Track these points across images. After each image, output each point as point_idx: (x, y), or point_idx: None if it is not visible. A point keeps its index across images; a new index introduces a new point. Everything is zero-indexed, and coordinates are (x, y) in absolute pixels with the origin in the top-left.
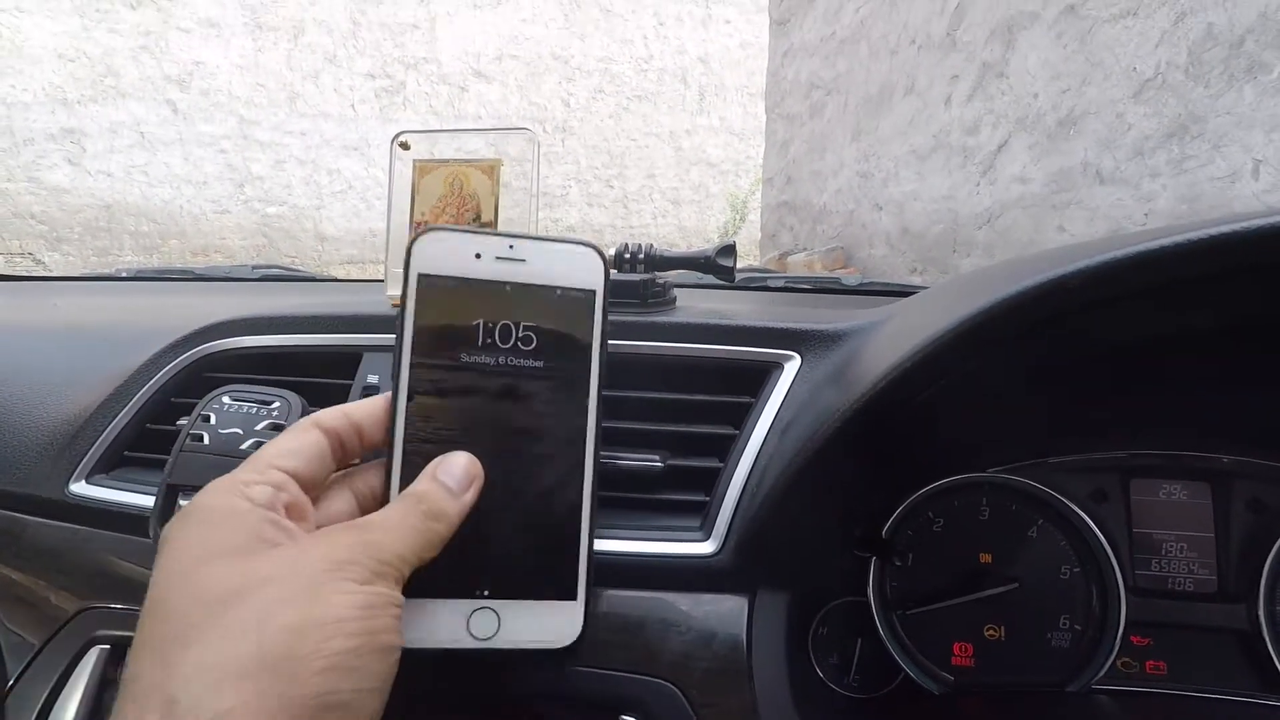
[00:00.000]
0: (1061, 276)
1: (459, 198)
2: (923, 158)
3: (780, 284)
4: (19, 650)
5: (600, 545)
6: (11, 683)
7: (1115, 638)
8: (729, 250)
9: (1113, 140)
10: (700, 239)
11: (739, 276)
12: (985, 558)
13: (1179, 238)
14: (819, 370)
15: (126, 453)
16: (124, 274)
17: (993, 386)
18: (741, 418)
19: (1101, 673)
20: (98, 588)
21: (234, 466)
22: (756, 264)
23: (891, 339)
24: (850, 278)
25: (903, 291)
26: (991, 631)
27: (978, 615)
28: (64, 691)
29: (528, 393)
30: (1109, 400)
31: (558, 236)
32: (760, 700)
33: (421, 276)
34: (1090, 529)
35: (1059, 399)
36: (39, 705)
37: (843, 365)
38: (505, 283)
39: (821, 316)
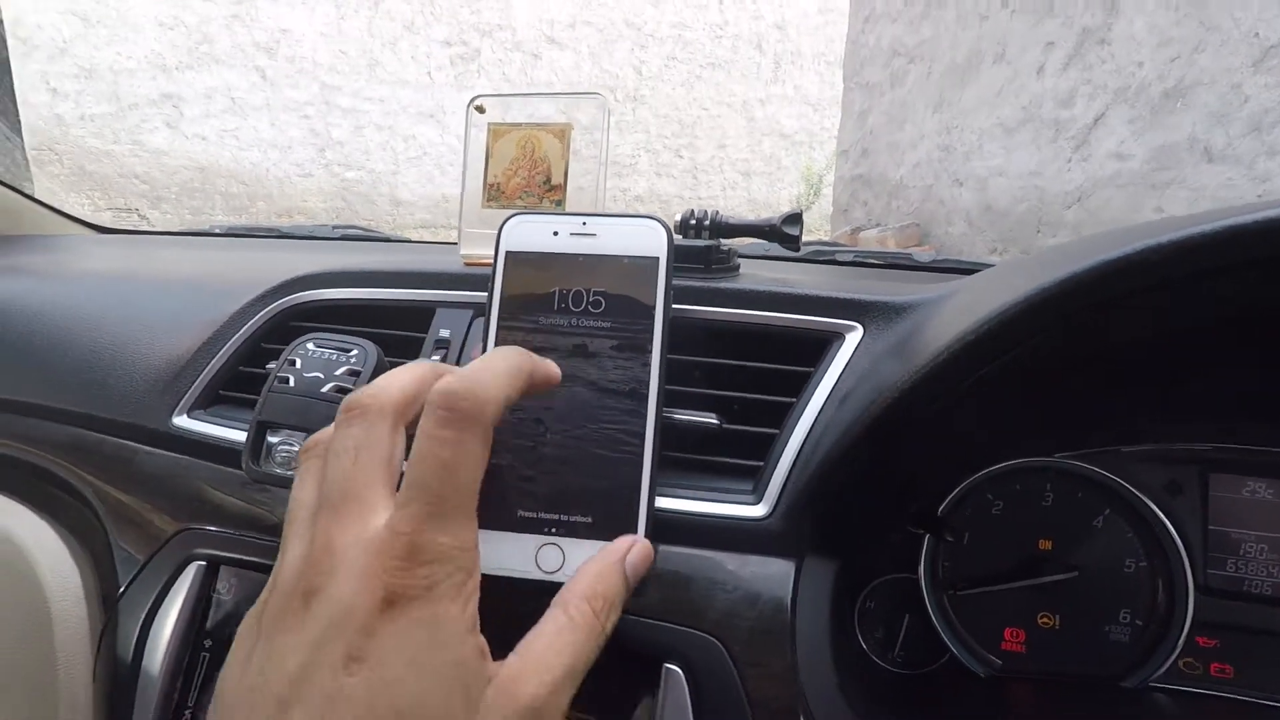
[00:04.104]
0: (1145, 249)
1: (530, 160)
2: (1010, 131)
3: (849, 258)
4: (128, 564)
5: (656, 502)
6: (122, 590)
7: (1180, 637)
8: (795, 219)
9: (1226, 114)
10: (770, 212)
11: (807, 249)
12: (1045, 544)
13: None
14: (881, 342)
15: (221, 391)
16: (217, 230)
17: (1063, 366)
18: (800, 386)
19: (1161, 670)
20: (195, 512)
21: (316, 408)
22: (827, 239)
23: (959, 312)
24: (924, 254)
25: (979, 270)
26: (1045, 619)
27: (1032, 602)
28: (165, 601)
29: (596, 351)
30: (1191, 388)
31: (626, 212)
32: (801, 663)
33: (509, 253)
34: (1162, 523)
35: (1136, 384)
36: (144, 612)
37: (906, 337)
38: (578, 254)
39: (888, 289)
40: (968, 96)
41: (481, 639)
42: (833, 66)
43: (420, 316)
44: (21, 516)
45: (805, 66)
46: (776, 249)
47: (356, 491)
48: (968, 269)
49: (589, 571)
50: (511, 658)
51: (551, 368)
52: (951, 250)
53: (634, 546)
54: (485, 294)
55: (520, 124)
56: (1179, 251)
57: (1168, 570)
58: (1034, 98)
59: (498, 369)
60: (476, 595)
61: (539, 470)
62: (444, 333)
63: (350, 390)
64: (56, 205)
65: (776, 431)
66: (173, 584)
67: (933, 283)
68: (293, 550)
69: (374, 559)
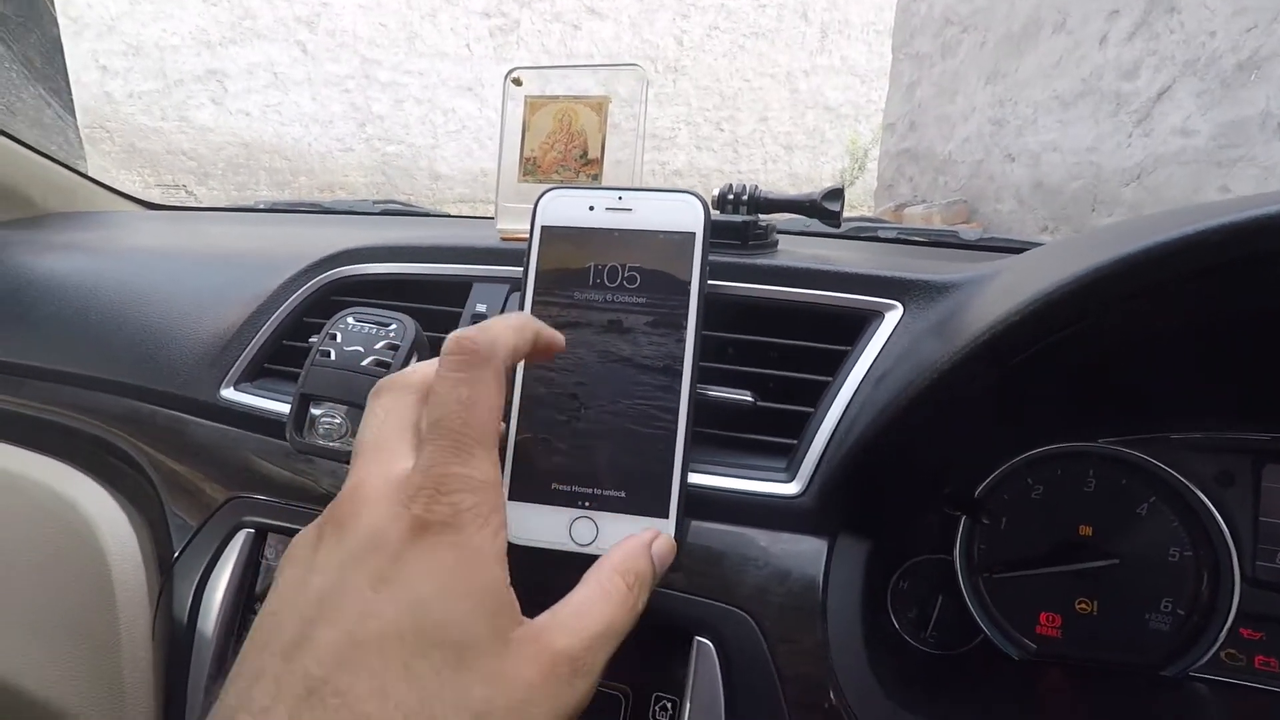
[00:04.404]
0: (1205, 231)
1: (567, 134)
2: (1067, 104)
3: (891, 235)
4: (182, 530)
5: (689, 478)
6: (177, 555)
7: (1223, 627)
8: (836, 194)
9: None
10: (811, 187)
11: (848, 225)
12: (1085, 530)
13: None
14: (922, 321)
15: (266, 365)
16: (261, 206)
17: (1111, 351)
18: (836, 365)
19: (1203, 661)
20: (243, 481)
21: (356, 381)
22: (870, 215)
23: (1003, 292)
24: (970, 232)
25: (1027, 249)
26: (1083, 605)
27: (1070, 587)
28: (217, 566)
29: (631, 327)
30: (1246, 376)
31: (663, 187)
32: (832, 640)
33: (544, 228)
34: (1210, 512)
35: (1188, 370)
36: (198, 576)
37: (947, 317)
38: (614, 229)
39: (930, 268)
40: (1024, 67)
41: (508, 579)
42: (882, 36)
43: (458, 291)
44: (84, 485)
45: (853, 36)
46: (817, 225)
47: (387, 437)
48: (1016, 248)
49: (620, 549)
50: (543, 615)
51: (557, 335)
52: (1000, 228)
53: (660, 536)
54: (521, 269)
55: (557, 97)
56: (1241, 234)
57: (1214, 560)
58: (1095, 69)
59: (507, 322)
60: (503, 531)
61: (573, 444)
62: (480, 307)
63: (389, 365)
64: (108, 183)
65: (811, 410)
66: (224, 550)
67: (979, 262)
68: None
69: (401, 492)
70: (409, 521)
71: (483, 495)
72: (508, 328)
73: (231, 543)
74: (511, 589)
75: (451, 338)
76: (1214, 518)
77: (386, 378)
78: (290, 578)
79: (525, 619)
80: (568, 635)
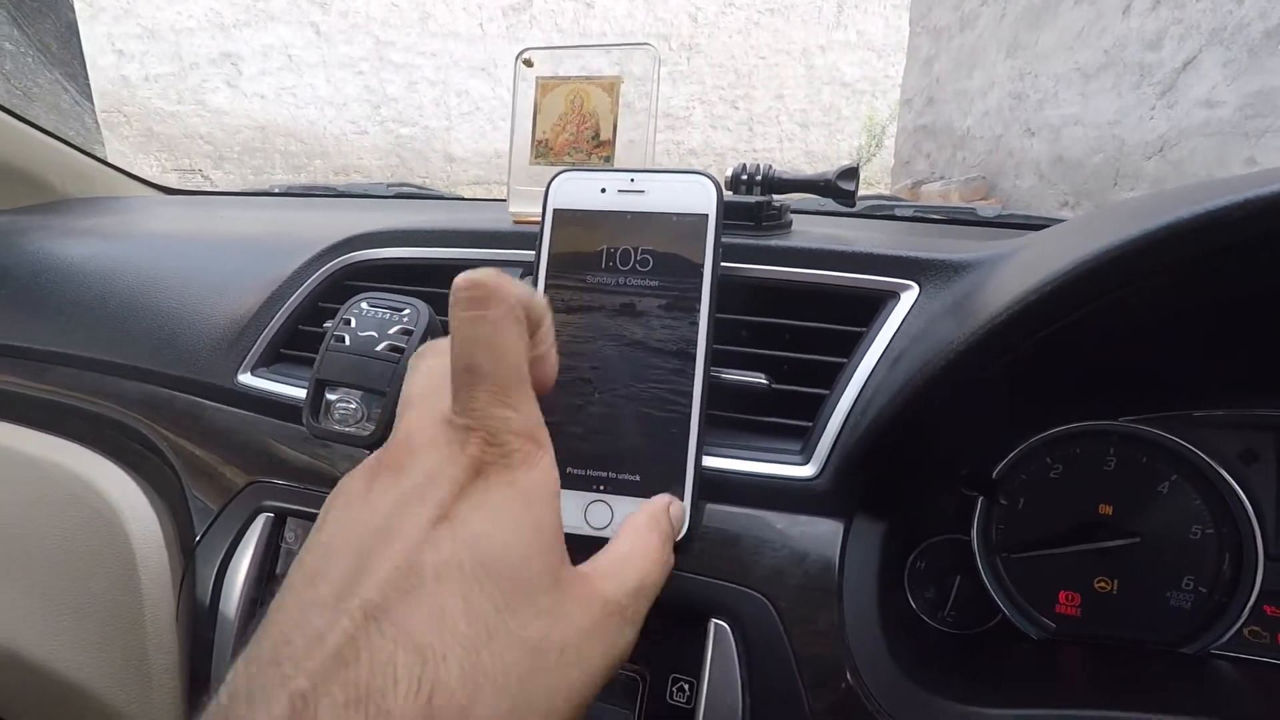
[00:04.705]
0: (1228, 206)
1: (579, 115)
2: (1089, 76)
3: (908, 213)
4: (203, 514)
5: (703, 461)
6: (198, 539)
7: (1246, 604)
8: (851, 173)
9: None
10: (828, 165)
11: (864, 204)
12: (1105, 509)
13: None
14: (938, 301)
15: (282, 350)
16: (276, 190)
17: (1132, 329)
18: (851, 347)
19: (1225, 638)
20: (262, 465)
21: (371, 366)
22: (886, 193)
23: (1021, 270)
24: (988, 209)
25: (1046, 226)
26: (1103, 584)
27: (1089, 566)
28: (238, 550)
29: (644, 310)
30: (1272, 352)
31: (676, 168)
32: (848, 621)
33: (556, 211)
34: (1233, 490)
35: (1210, 348)
36: (219, 559)
37: (964, 297)
38: (626, 212)
39: (947, 246)
40: (1044, 40)
41: (560, 519)
42: (899, 10)
43: None
44: (106, 469)
45: (870, 10)
46: (832, 204)
47: (431, 390)
48: (1036, 225)
49: (646, 509)
50: (585, 564)
51: (552, 357)
52: (1019, 205)
53: (674, 501)
54: (534, 252)
55: (569, 78)
56: (1268, 209)
57: (1236, 538)
58: (1117, 40)
59: (507, 274)
60: (553, 469)
61: (587, 429)
62: None
63: (403, 350)
64: (126, 168)
65: (826, 392)
66: (244, 534)
67: (997, 239)
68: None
69: (452, 435)
70: (465, 464)
71: (530, 435)
72: (508, 279)
73: (251, 526)
74: (560, 528)
75: (457, 280)
76: (1237, 495)
77: (429, 343)
78: (342, 514)
79: (569, 564)
80: (614, 583)
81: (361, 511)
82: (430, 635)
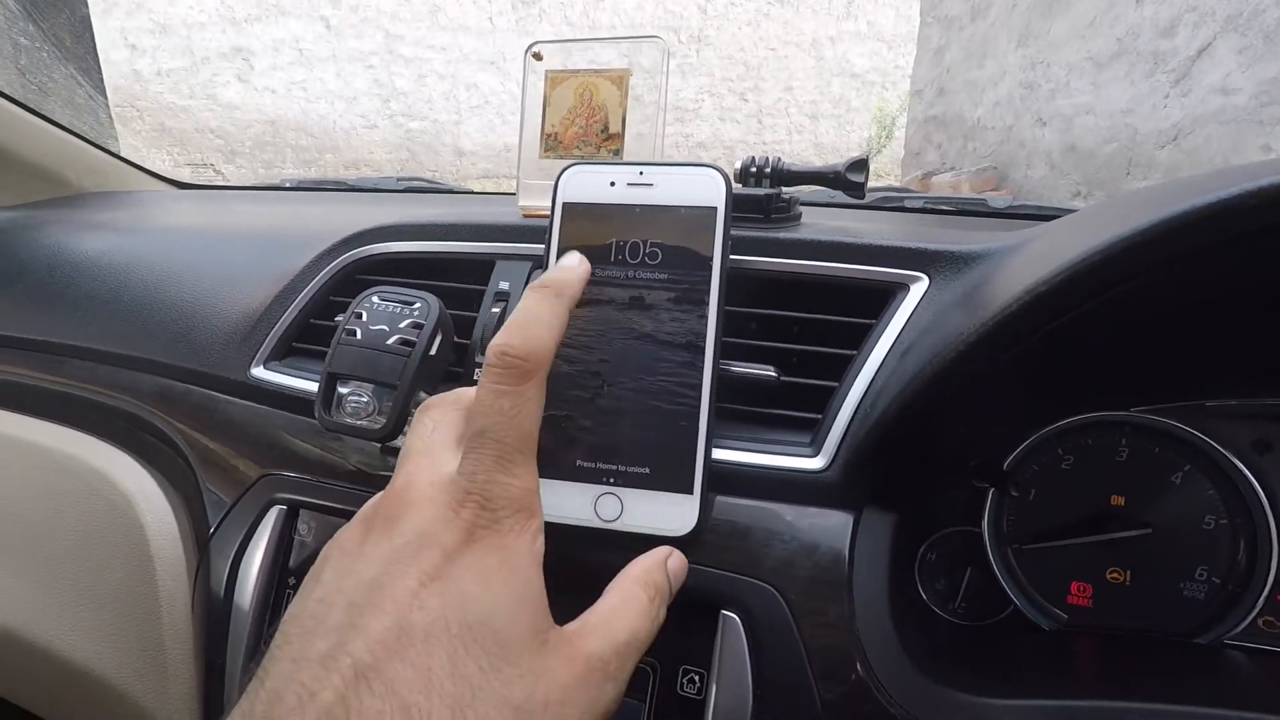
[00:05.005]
0: (1244, 193)
1: (588, 109)
2: (1101, 65)
3: (918, 204)
4: (217, 506)
5: (713, 453)
6: (212, 531)
7: (1260, 595)
8: (860, 165)
9: None
10: (838, 157)
11: (874, 196)
12: (1117, 500)
13: None
14: (948, 293)
15: (294, 343)
16: (288, 184)
17: (1143, 319)
18: (860, 339)
19: (1239, 628)
20: (275, 458)
21: (382, 359)
22: (896, 185)
23: (1032, 261)
24: (999, 200)
25: (1058, 216)
26: (1115, 575)
27: (1101, 557)
28: (251, 542)
29: (653, 303)
30: None
31: (685, 161)
32: (858, 612)
33: (565, 205)
34: (1247, 480)
35: (1223, 337)
36: (233, 551)
37: (974, 288)
38: (635, 205)
39: (957, 238)
40: (1056, 28)
41: (543, 582)
42: (909, 0)
43: (480, 269)
44: (121, 462)
45: (880, 0)
46: (841, 196)
47: (434, 444)
48: (1047, 215)
49: (639, 563)
50: (572, 624)
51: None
52: (1031, 195)
53: (674, 553)
54: (543, 246)
55: (577, 71)
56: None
57: (1250, 528)
58: (1131, 28)
59: (545, 321)
60: (541, 536)
61: (597, 421)
62: (503, 285)
63: (414, 343)
64: (139, 162)
65: (835, 384)
66: (257, 526)
67: (1008, 230)
68: (378, 495)
69: (449, 495)
70: (459, 525)
71: (524, 503)
72: (547, 329)
73: (265, 519)
74: (545, 592)
75: (494, 349)
76: (1251, 485)
77: (435, 396)
78: (338, 567)
79: (556, 625)
80: (599, 640)
81: (355, 565)
82: (417, 695)
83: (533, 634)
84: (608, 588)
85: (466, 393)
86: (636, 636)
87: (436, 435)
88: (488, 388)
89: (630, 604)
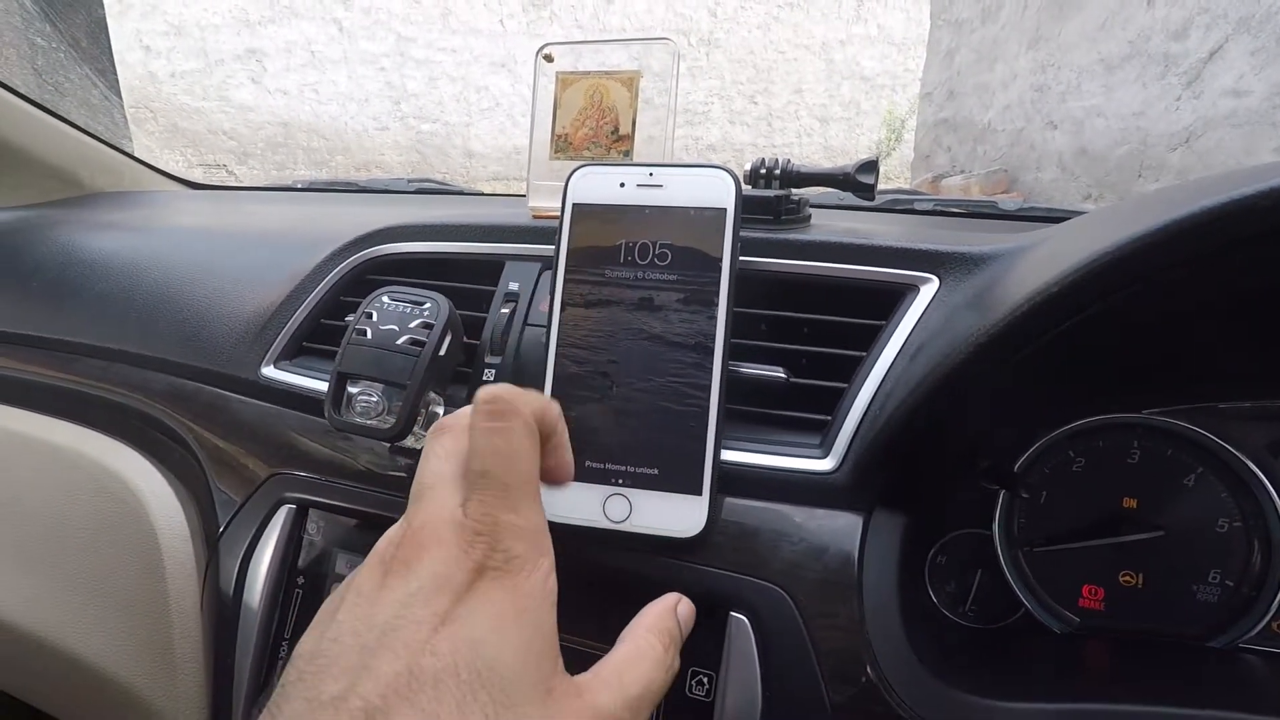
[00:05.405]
0: (1255, 194)
1: (598, 110)
2: (1112, 68)
3: (928, 206)
4: (226, 505)
5: (722, 455)
6: (222, 530)
7: (1274, 598)
8: (870, 166)
9: None
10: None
11: (884, 198)
12: (1129, 502)
13: None
14: (958, 294)
15: (305, 343)
16: (299, 185)
17: (1155, 321)
18: (870, 340)
19: (1253, 632)
20: (284, 457)
21: (392, 359)
22: (906, 188)
23: (1042, 262)
24: (1010, 202)
25: (1068, 219)
26: (1127, 578)
27: (1113, 560)
28: (261, 540)
29: (662, 304)
30: None
31: (694, 162)
32: (868, 614)
33: (575, 206)
34: (1260, 482)
35: (1236, 338)
36: (242, 550)
37: (984, 290)
38: (645, 206)
39: (967, 239)
40: (1067, 31)
41: (555, 622)
42: (919, 3)
43: (490, 269)
44: (132, 460)
45: (890, 3)
46: (851, 198)
47: (446, 480)
48: (1057, 217)
49: (651, 611)
50: (585, 674)
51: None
52: (1041, 198)
53: (683, 600)
54: (553, 247)
55: (588, 73)
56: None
57: (1264, 531)
58: (1142, 30)
59: (526, 395)
60: (553, 575)
61: (606, 422)
62: (513, 285)
63: (424, 343)
64: (153, 163)
65: (845, 386)
66: (267, 525)
67: (1018, 232)
68: (395, 528)
69: (461, 537)
70: (469, 567)
71: (532, 542)
72: (526, 393)
73: (274, 518)
74: (556, 635)
75: (479, 393)
76: (1265, 488)
77: (447, 418)
78: (354, 610)
79: (567, 674)
80: (610, 693)
81: (371, 608)
82: None
83: (539, 682)
84: (620, 636)
85: None
86: (650, 689)
87: (448, 468)
88: (478, 426)
89: (645, 654)
